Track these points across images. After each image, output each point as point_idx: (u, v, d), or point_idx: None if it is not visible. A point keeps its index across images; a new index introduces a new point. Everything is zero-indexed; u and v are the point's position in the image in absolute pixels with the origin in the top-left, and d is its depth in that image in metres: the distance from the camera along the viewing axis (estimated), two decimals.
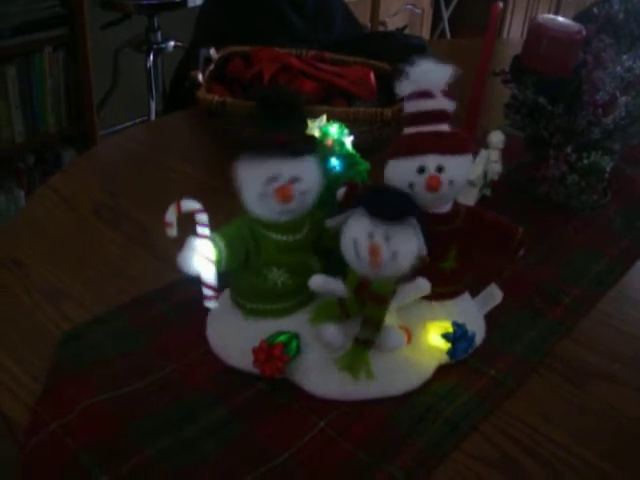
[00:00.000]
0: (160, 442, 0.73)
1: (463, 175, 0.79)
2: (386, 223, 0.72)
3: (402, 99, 0.81)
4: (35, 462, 0.71)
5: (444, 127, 0.79)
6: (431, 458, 0.73)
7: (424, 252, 0.75)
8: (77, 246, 1.04)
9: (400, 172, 0.78)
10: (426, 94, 0.78)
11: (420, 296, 0.80)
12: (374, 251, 0.72)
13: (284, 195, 0.75)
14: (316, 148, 0.80)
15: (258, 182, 0.75)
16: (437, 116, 0.79)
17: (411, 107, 0.80)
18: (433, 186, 0.77)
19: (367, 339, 0.78)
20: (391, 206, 0.73)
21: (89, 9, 2.48)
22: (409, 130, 0.80)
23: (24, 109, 2.44)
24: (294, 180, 0.75)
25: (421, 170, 0.77)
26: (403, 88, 0.80)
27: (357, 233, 0.73)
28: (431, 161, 0.77)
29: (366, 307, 0.77)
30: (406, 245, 0.73)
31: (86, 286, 0.95)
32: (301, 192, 0.76)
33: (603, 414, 0.82)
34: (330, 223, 0.77)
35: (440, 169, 0.77)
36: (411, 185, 0.77)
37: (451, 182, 0.78)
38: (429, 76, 0.78)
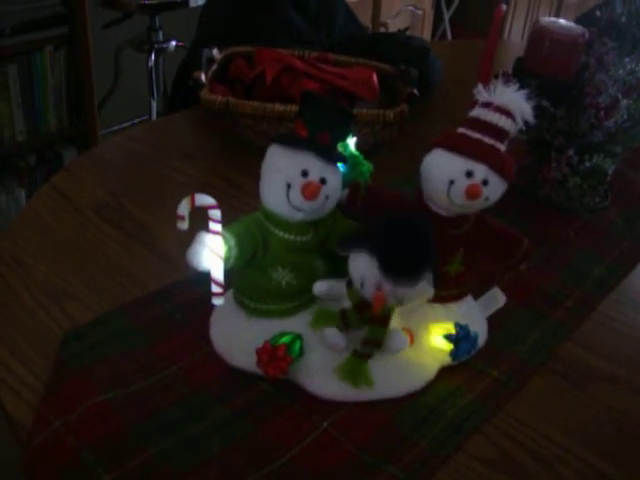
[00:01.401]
0: (163, 441, 0.73)
1: (497, 197, 0.80)
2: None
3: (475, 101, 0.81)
4: (38, 461, 0.71)
5: (502, 147, 0.79)
6: (434, 459, 0.74)
7: (431, 290, 0.75)
8: (79, 245, 1.04)
9: (446, 165, 0.78)
10: (505, 111, 0.78)
11: (424, 300, 0.81)
12: (379, 296, 0.72)
13: (312, 191, 0.75)
14: (345, 159, 0.81)
15: (291, 171, 0.76)
16: (502, 134, 0.79)
17: (483, 114, 0.79)
18: (473, 194, 0.77)
19: (366, 353, 0.78)
20: (403, 263, 0.71)
21: (90, 8, 2.48)
22: (467, 132, 0.79)
23: (25, 108, 2.43)
24: (322, 181, 0.76)
25: (469, 174, 0.77)
26: (484, 95, 0.80)
27: (365, 271, 0.72)
28: (481, 171, 0.77)
29: (367, 328, 0.77)
30: (413, 294, 0.73)
31: (88, 285, 0.95)
32: (325, 195, 0.77)
33: (605, 416, 0.82)
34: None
35: (485, 182, 0.77)
36: (451, 182, 0.77)
37: (487, 199, 0.79)
38: (517, 102, 0.79)
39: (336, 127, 0.78)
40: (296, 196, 0.76)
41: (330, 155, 0.77)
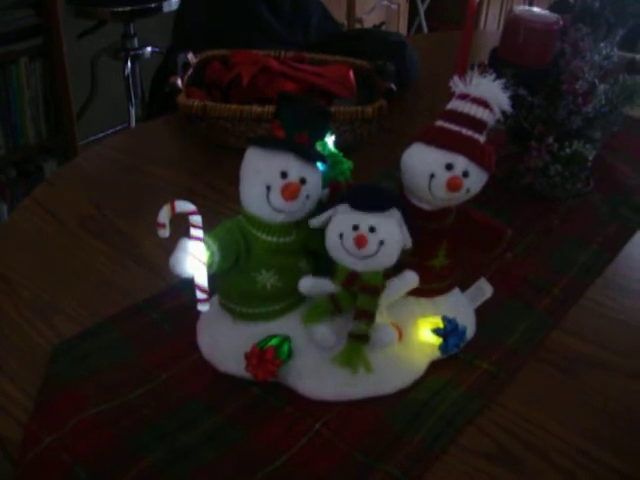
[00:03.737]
0: (156, 452, 0.72)
1: (478, 189, 0.80)
2: (370, 214, 0.74)
3: (453, 93, 0.81)
4: (31, 478, 0.70)
5: (481, 137, 0.79)
6: (428, 455, 0.73)
7: (409, 243, 0.76)
8: (64, 258, 1.03)
9: (426, 159, 0.78)
10: (482, 102, 0.78)
11: (409, 290, 0.81)
12: (360, 240, 0.73)
13: (292, 192, 0.75)
14: (324, 158, 0.81)
15: (269, 174, 0.75)
16: (480, 125, 0.78)
17: (460, 106, 0.79)
18: (454, 186, 0.77)
19: (361, 334, 0.78)
20: (373, 197, 0.75)
21: (64, 18, 2.47)
22: (445, 124, 0.79)
23: (2, 122, 2.41)
24: (302, 181, 0.76)
25: (449, 167, 0.77)
26: (460, 87, 0.79)
27: (342, 227, 0.75)
28: (461, 163, 0.77)
29: (357, 299, 0.77)
30: (391, 234, 0.74)
31: (75, 299, 0.94)
32: (306, 194, 0.77)
33: (597, 402, 0.82)
34: (314, 223, 0.78)
35: (465, 174, 0.77)
36: (432, 176, 0.77)
37: (468, 190, 0.78)
38: (493, 92, 0.78)
39: (314, 126, 0.78)
40: (276, 198, 0.75)
41: (309, 154, 0.77)
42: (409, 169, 0.80)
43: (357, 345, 0.79)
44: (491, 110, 0.79)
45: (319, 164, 0.80)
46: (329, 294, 0.78)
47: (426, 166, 0.78)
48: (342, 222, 0.75)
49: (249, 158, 0.78)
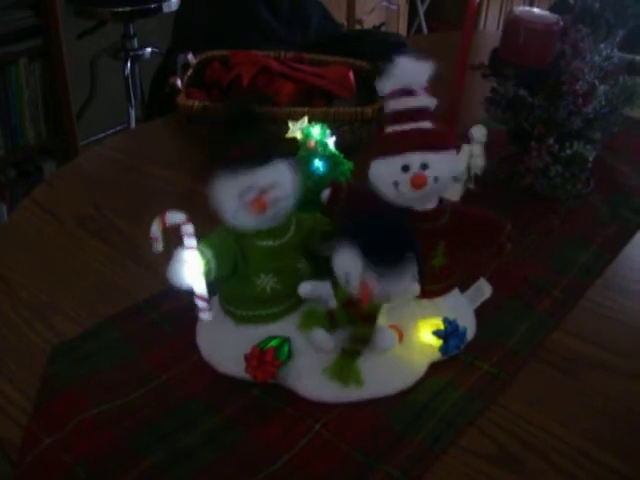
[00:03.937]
0: (157, 453, 0.72)
1: (447, 171, 0.79)
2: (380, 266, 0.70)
3: (383, 97, 0.81)
4: (31, 479, 0.70)
5: (426, 124, 0.79)
6: (428, 456, 0.73)
7: (417, 286, 0.75)
8: (63, 259, 1.03)
9: (384, 172, 0.78)
10: (407, 91, 0.78)
11: (410, 298, 0.80)
12: (365, 289, 0.70)
13: (259, 205, 0.75)
14: (290, 151, 0.80)
15: (232, 197, 0.75)
16: (419, 113, 0.78)
17: (393, 105, 0.79)
18: (418, 184, 0.77)
19: (354, 351, 0.78)
20: (386, 249, 0.70)
21: (63, 18, 2.46)
22: (391, 128, 0.79)
23: (2, 122, 2.41)
24: (268, 188, 0.75)
25: (405, 168, 0.77)
26: (384, 86, 0.79)
27: (349, 268, 0.71)
28: (415, 159, 0.77)
29: (354, 325, 0.76)
30: (398, 284, 0.71)
31: (74, 299, 0.94)
32: (277, 198, 0.76)
33: (596, 403, 0.82)
34: (322, 252, 0.78)
35: (424, 166, 0.77)
36: (396, 184, 0.77)
37: (436, 179, 0.78)
38: (410, 73, 0.78)
39: (248, 131, 0.77)
40: (249, 215, 0.76)
41: (259, 160, 0.76)
42: (377, 188, 0.79)
43: (349, 359, 0.79)
44: (418, 93, 0.78)
45: (320, 160, 0.80)
46: (327, 311, 0.78)
47: (386, 178, 0.78)
48: (349, 263, 0.70)
49: (214, 187, 0.77)
